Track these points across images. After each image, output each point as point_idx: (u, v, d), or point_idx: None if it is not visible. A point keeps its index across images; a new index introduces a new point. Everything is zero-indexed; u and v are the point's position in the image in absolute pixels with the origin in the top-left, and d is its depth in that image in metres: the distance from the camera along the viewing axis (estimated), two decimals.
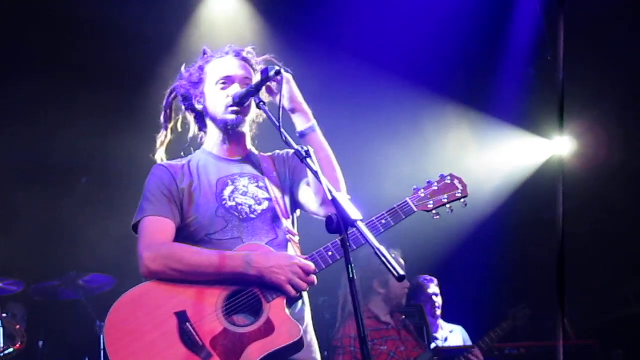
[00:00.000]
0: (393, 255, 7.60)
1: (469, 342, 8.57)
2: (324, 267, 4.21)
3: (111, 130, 9.23)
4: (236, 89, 4.40)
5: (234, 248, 4.22)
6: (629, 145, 9.53)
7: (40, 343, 8.66)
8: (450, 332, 8.71)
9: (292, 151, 3.97)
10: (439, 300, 8.65)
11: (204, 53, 4.68)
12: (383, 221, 4.31)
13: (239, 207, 4.37)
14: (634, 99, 9.47)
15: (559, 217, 9.34)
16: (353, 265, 3.42)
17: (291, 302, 4.18)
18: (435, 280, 8.74)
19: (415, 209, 4.44)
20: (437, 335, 8.66)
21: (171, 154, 4.70)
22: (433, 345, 7.97)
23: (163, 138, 4.71)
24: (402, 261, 7.66)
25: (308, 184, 4.42)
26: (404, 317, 7.79)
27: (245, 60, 4.57)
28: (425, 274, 8.77)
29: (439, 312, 8.67)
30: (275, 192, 4.47)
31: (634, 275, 10.14)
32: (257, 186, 4.47)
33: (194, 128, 4.74)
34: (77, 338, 8.67)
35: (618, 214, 9.81)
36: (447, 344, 8.45)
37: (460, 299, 8.94)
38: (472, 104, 10.03)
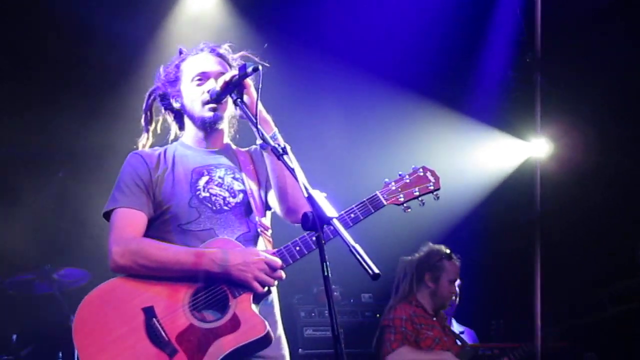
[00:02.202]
0: (455, 258, 7.71)
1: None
2: (292, 262, 4.20)
3: (88, 124, 9.20)
4: (212, 85, 4.37)
5: (206, 239, 4.22)
6: (605, 147, 9.57)
7: (14, 337, 8.61)
8: (461, 332, 8.79)
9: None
10: (455, 300, 8.75)
11: (180, 52, 4.67)
12: (352, 215, 4.28)
13: (213, 199, 4.36)
14: (610, 101, 9.51)
15: (536, 219, 9.42)
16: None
17: (259, 298, 4.17)
18: (457, 280, 8.83)
19: (385, 203, 4.40)
20: None
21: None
22: None
23: (144, 141, 4.69)
24: (458, 266, 7.82)
25: (275, 191, 4.39)
26: (445, 317, 7.92)
27: (220, 56, 4.56)
28: None
29: (451, 310, 8.77)
30: (251, 185, 4.46)
31: (609, 278, 10.18)
32: (234, 177, 4.47)
33: (174, 129, 4.73)
34: (51, 332, 8.63)
35: (593, 217, 9.84)
36: None
37: None
38: (450, 104, 10.04)
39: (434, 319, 7.71)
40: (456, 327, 8.86)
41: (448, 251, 7.86)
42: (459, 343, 7.80)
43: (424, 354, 7.37)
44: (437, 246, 7.91)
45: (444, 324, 7.85)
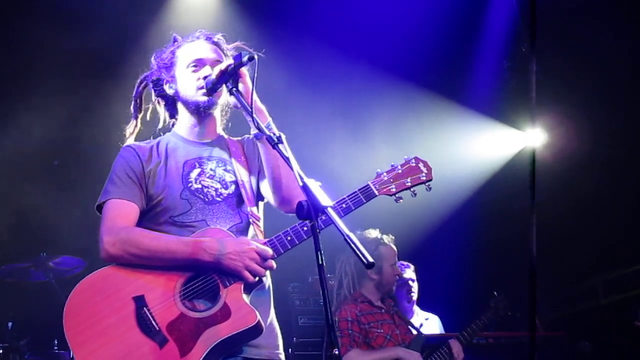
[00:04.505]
0: (389, 239, 7.68)
1: (443, 332, 8.60)
2: (283, 252, 4.20)
3: (84, 113, 9.21)
4: (207, 71, 4.38)
5: (197, 230, 4.24)
6: (597, 137, 9.59)
7: (10, 324, 8.63)
8: (426, 319, 8.76)
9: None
10: (414, 286, 8.70)
11: (175, 40, 4.67)
12: (344, 205, 4.28)
13: (205, 190, 4.37)
14: (602, 92, 9.52)
15: (531, 209, 9.42)
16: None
17: (251, 287, 4.18)
18: (412, 266, 8.77)
19: (377, 193, 4.39)
20: (412, 320, 8.72)
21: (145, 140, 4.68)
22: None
23: (132, 128, 4.72)
24: (394, 247, 7.70)
25: (269, 181, 4.39)
26: (393, 303, 7.83)
27: (216, 44, 4.58)
28: (402, 260, 8.84)
29: (414, 297, 8.72)
30: (243, 176, 4.47)
31: (602, 267, 10.21)
32: (225, 169, 4.48)
33: (164, 117, 4.73)
34: (47, 320, 8.63)
35: (587, 207, 9.87)
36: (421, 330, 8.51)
37: (429, 289, 8.97)
38: (445, 94, 10.05)
39: (382, 310, 7.60)
40: (421, 316, 8.83)
41: (380, 236, 7.69)
42: (412, 330, 7.74)
43: (374, 353, 7.23)
44: (368, 234, 7.69)
45: (393, 312, 7.71)
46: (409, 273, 8.71)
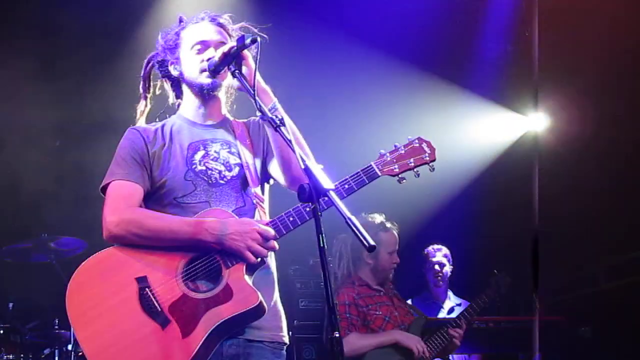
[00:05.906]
0: (391, 226, 7.65)
1: None
2: (285, 232, 4.19)
3: (86, 93, 9.19)
4: (211, 53, 4.37)
5: (200, 212, 4.24)
6: (601, 121, 9.55)
7: (11, 305, 8.66)
8: (458, 305, 8.77)
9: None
10: (443, 270, 8.72)
11: (180, 20, 4.66)
12: (346, 186, 4.25)
13: (209, 172, 4.37)
14: (606, 75, 9.48)
15: (534, 194, 9.42)
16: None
17: (253, 268, 4.17)
18: (443, 250, 8.79)
19: (380, 174, 4.36)
20: (444, 305, 8.74)
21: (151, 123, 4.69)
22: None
23: (142, 107, 4.72)
24: (396, 235, 7.66)
25: (278, 162, 4.38)
26: (392, 286, 7.82)
27: (220, 25, 4.55)
28: (435, 243, 8.86)
29: (441, 282, 8.74)
30: (247, 158, 4.46)
31: (604, 252, 10.20)
32: (229, 152, 4.47)
33: (172, 95, 4.73)
34: (48, 301, 8.67)
35: (589, 191, 9.85)
36: (451, 316, 8.51)
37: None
38: (448, 77, 10.03)
39: (381, 293, 7.57)
40: (453, 300, 8.85)
41: (382, 221, 7.62)
42: (412, 313, 7.73)
43: (373, 337, 7.21)
44: (370, 217, 7.62)
45: (392, 294, 7.67)
46: (438, 257, 8.74)
